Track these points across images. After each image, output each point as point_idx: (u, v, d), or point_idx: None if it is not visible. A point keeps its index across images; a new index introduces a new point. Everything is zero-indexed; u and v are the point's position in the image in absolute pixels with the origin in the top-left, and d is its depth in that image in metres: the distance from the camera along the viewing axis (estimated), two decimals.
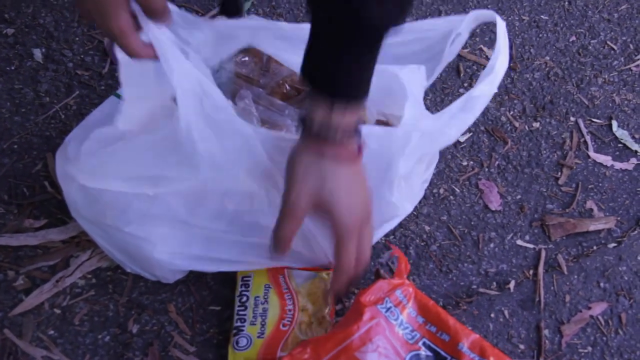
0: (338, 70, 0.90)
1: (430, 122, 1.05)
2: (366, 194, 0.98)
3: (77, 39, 1.54)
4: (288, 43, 1.13)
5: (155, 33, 0.85)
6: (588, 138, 1.59)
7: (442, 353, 1.05)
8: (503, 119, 1.59)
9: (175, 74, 0.88)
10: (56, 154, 1.12)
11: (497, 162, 1.51)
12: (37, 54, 1.49)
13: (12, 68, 1.46)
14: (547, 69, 1.71)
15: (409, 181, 1.19)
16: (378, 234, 1.27)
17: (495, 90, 1.06)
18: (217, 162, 0.98)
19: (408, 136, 1.04)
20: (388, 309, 1.05)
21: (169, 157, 1.00)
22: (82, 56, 1.51)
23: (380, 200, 1.07)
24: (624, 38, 1.82)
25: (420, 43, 1.19)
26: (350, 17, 0.84)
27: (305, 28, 1.03)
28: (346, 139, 0.92)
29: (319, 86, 0.91)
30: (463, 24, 1.13)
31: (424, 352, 1.04)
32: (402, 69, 1.12)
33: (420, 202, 1.39)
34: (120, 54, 0.89)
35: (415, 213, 1.39)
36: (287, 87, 1.29)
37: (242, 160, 1.00)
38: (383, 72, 1.07)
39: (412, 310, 1.06)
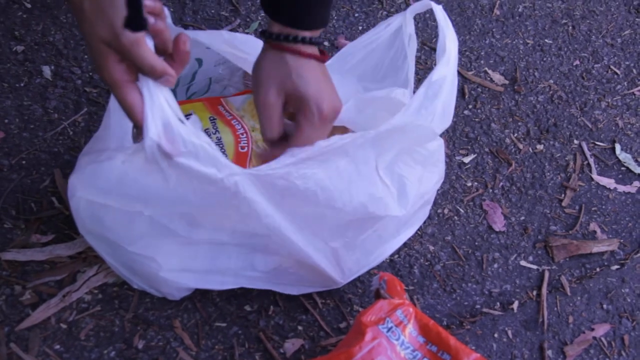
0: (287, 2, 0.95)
1: (397, 117, 1.05)
2: (333, 88, 1.00)
3: (86, 56, 1.55)
4: None
5: (149, 88, 0.85)
6: (591, 161, 1.60)
7: None
8: (507, 140, 1.60)
9: (150, 133, 0.87)
10: (71, 173, 1.13)
11: (501, 184, 1.52)
12: (47, 71, 1.51)
13: (22, 85, 1.47)
14: (551, 92, 1.73)
15: (404, 187, 1.19)
16: (386, 251, 1.28)
17: (455, 70, 1.05)
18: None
19: (379, 135, 1.05)
20: (389, 329, 1.05)
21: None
22: (90, 74, 1.52)
23: (366, 195, 1.09)
24: (627, 63, 1.84)
25: (373, 54, 1.23)
26: None
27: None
28: (307, 44, 0.96)
29: (270, 15, 0.97)
30: (406, 22, 1.16)
31: None
32: (389, 91, 1.13)
33: (424, 222, 1.40)
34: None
35: (419, 233, 1.40)
36: None
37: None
38: (369, 100, 1.09)
39: (413, 330, 1.06)
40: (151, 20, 0.83)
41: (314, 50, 0.97)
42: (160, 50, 0.86)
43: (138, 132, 0.88)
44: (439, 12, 1.09)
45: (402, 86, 1.16)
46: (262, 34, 0.98)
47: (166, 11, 0.90)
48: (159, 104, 0.85)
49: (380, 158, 1.10)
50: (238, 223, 1.06)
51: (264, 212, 1.02)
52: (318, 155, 1.01)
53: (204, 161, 0.92)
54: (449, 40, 1.06)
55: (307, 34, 0.96)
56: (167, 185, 0.96)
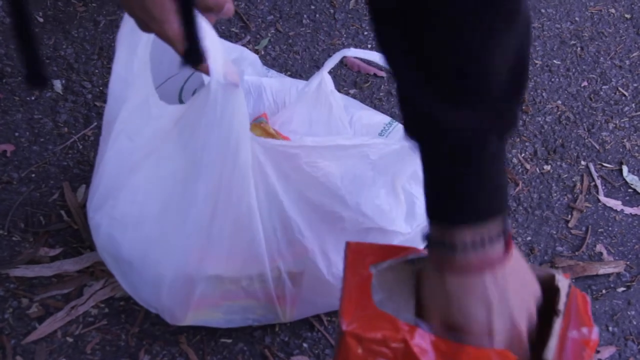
0: (438, 193, 0.76)
1: None
2: (513, 305, 0.74)
3: (96, 71, 1.56)
4: None
5: (205, 32, 0.81)
6: (598, 182, 1.60)
7: None
8: (514, 160, 1.60)
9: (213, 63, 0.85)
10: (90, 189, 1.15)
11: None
12: (57, 85, 1.52)
13: (32, 98, 1.48)
14: (558, 112, 1.73)
15: (412, 206, 1.20)
16: None
17: None
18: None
19: (403, 149, 1.07)
20: None
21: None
22: (101, 88, 1.53)
23: (374, 205, 1.10)
24: (635, 85, 1.84)
25: None
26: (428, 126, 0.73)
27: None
28: (472, 251, 0.73)
29: (427, 211, 0.78)
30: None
31: None
32: None
33: None
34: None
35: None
36: None
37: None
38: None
39: None
40: None
41: (487, 254, 0.72)
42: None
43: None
44: None
45: None
46: (424, 238, 0.79)
47: None
48: (217, 43, 0.84)
49: (400, 173, 1.11)
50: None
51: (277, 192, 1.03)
52: (335, 148, 1.01)
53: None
54: None
55: (467, 235, 0.72)
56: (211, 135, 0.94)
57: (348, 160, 1.04)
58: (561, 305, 0.79)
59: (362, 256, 0.83)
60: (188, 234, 1.02)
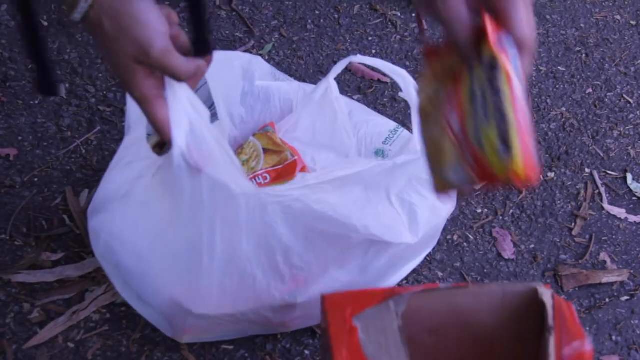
0: None
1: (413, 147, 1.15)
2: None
3: (100, 75, 1.56)
4: None
5: (173, 90, 0.82)
6: (602, 190, 1.60)
7: None
8: None
9: (176, 134, 0.84)
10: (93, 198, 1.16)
11: (511, 211, 1.51)
12: (61, 89, 1.52)
13: (36, 102, 1.48)
14: (563, 119, 1.73)
15: (414, 215, 1.20)
16: (394, 279, 1.28)
17: None
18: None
19: (396, 166, 1.10)
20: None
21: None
22: (104, 92, 1.53)
23: (376, 222, 1.11)
24: None
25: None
26: None
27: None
28: None
29: None
30: (398, 76, 1.22)
31: None
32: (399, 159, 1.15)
33: (434, 248, 1.40)
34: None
35: (428, 259, 1.40)
36: None
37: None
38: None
39: None
40: (167, 26, 0.81)
41: None
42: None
43: (167, 147, 0.86)
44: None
45: None
46: None
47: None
48: (184, 108, 0.83)
49: (392, 186, 1.12)
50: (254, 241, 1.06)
51: (282, 233, 1.04)
52: (334, 181, 1.03)
53: (224, 171, 0.92)
54: None
55: None
56: (184, 200, 0.95)
57: (346, 189, 1.06)
58: (550, 321, 0.80)
59: (341, 308, 0.87)
60: (177, 272, 1.06)
